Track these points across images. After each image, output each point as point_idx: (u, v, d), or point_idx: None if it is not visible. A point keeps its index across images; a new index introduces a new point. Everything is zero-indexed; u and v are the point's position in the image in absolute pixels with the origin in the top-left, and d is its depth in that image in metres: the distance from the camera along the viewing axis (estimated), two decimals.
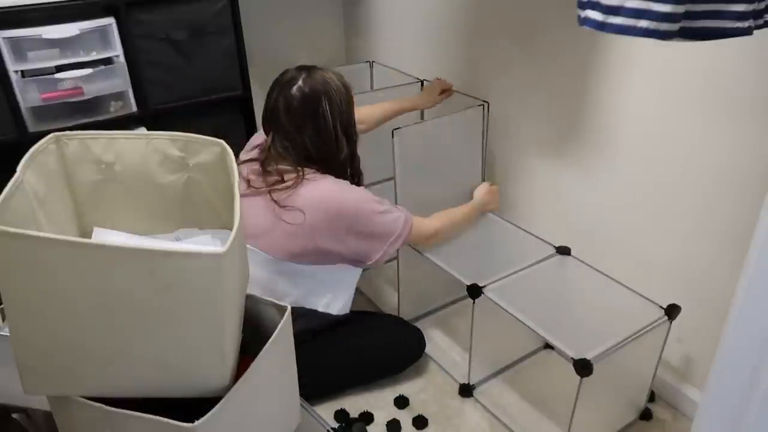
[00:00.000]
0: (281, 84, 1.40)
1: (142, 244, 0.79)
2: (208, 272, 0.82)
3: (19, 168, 0.89)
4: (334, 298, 1.49)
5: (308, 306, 1.45)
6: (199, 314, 0.85)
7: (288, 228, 1.36)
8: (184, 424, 0.85)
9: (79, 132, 1.00)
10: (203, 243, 1.10)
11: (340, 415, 1.53)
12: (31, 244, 0.74)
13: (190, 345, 0.87)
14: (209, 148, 1.06)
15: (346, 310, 1.54)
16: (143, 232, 1.09)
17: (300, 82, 1.38)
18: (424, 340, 1.68)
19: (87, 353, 0.86)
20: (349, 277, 1.52)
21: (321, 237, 1.36)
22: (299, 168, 1.40)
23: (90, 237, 1.05)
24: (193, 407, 0.89)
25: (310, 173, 1.40)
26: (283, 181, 1.38)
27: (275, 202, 1.36)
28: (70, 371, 0.87)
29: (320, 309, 1.47)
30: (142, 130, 1.75)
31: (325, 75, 1.41)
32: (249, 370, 0.93)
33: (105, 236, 1.05)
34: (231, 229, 1.13)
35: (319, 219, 1.35)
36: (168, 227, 1.11)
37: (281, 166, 1.40)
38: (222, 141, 1.05)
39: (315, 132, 1.39)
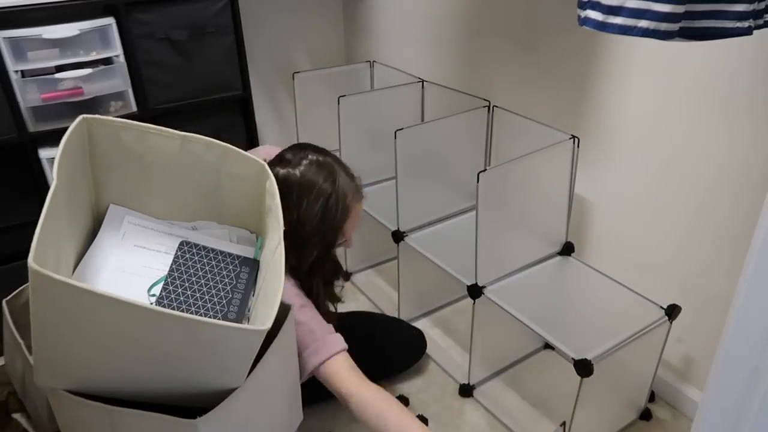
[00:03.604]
0: (291, 156, 1.27)
1: (188, 316, 0.78)
2: (249, 343, 0.85)
3: (54, 172, 0.86)
4: None
5: None
6: (233, 363, 0.87)
7: None
8: (187, 420, 0.85)
9: (110, 118, 0.98)
10: (220, 237, 1.10)
11: None
12: (73, 292, 0.74)
13: (216, 375, 0.88)
14: (248, 164, 1.04)
15: None
16: (160, 215, 1.08)
17: (289, 168, 1.24)
18: (425, 341, 1.68)
19: (111, 375, 0.87)
20: None
21: None
22: None
23: (103, 211, 1.04)
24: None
25: None
26: None
27: None
28: (91, 383, 0.88)
29: None
30: None
31: (318, 172, 1.24)
32: (254, 369, 0.93)
33: (121, 216, 1.04)
34: (251, 230, 1.13)
35: None
36: (187, 215, 1.10)
37: None
38: (264, 163, 1.04)
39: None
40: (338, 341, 1.23)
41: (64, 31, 1.57)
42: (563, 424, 1.26)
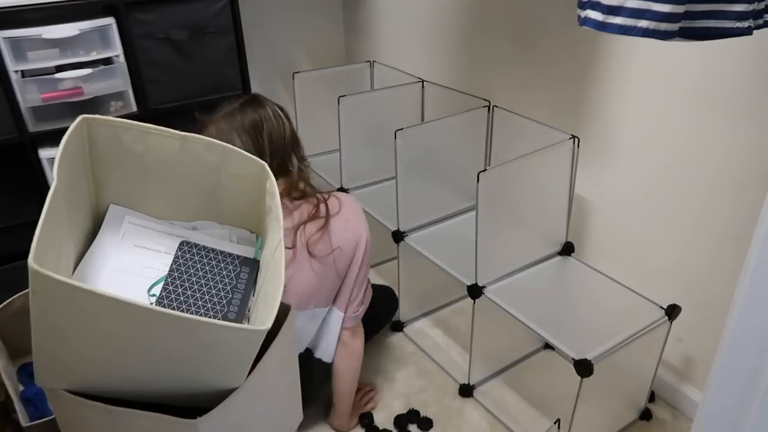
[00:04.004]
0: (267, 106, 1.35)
1: (188, 316, 0.79)
2: (249, 343, 0.85)
3: (54, 172, 0.86)
4: (328, 343, 1.42)
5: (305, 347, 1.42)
6: (233, 363, 0.87)
7: (317, 268, 1.32)
8: (187, 420, 0.85)
9: (110, 118, 0.99)
10: (220, 237, 1.10)
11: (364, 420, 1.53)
12: (73, 292, 0.74)
13: (216, 375, 0.88)
14: (248, 164, 1.05)
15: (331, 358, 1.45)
16: (160, 216, 1.08)
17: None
18: (396, 297, 1.76)
19: (111, 375, 0.87)
20: (336, 319, 1.42)
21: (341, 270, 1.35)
22: (318, 193, 1.34)
23: (103, 211, 1.05)
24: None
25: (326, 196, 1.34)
26: (316, 212, 1.32)
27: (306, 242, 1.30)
28: (91, 383, 0.88)
29: (316, 355, 1.42)
30: None
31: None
32: (254, 369, 0.93)
33: (121, 216, 1.04)
34: (251, 230, 1.13)
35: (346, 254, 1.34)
36: (187, 215, 1.10)
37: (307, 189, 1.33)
38: (264, 163, 1.04)
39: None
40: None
41: (64, 31, 1.57)
42: (557, 421, 1.26)
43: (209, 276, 1.02)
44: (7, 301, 1.44)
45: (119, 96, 1.72)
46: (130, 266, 1.00)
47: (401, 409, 1.55)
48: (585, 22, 0.90)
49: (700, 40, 0.87)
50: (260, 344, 0.87)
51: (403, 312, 1.82)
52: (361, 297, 1.39)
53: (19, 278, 1.01)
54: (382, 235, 1.78)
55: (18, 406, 1.27)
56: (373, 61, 2.22)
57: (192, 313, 0.96)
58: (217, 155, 1.05)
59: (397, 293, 1.80)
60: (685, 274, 1.43)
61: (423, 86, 1.95)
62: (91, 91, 1.65)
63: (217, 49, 1.80)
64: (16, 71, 1.55)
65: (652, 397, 1.54)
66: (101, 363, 0.84)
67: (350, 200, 1.38)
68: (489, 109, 1.73)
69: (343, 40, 2.55)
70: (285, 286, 0.88)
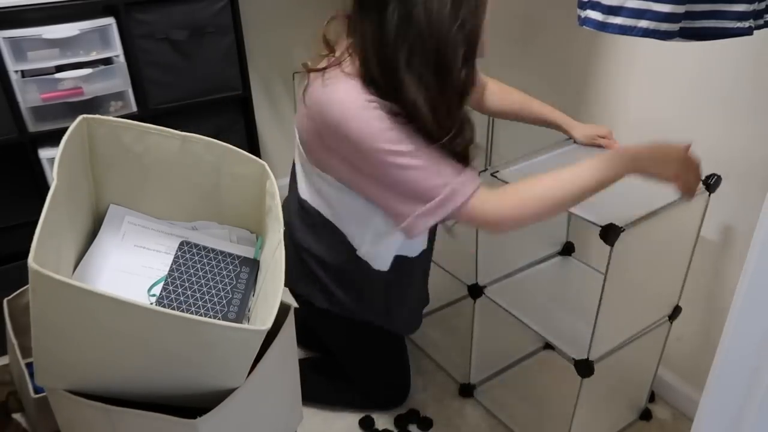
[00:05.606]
0: None
1: (188, 316, 0.79)
2: (249, 343, 0.85)
3: (54, 172, 0.86)
4: (365, 236, 1.21)
5: (340, 227, 1.22)
6: (233, 363, 0.88)
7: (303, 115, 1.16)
8: (187, 420, 0.85)
9: (110, 118, 0.99)
10: (220, 237, 1.10)
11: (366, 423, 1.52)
12: (73, 292, 0.74)
13: (216, 375, 0.88)
14: (248, 164, 1.05)
15: (382, 265, 1.26)
16: (161, 216, 1.08)
17: None
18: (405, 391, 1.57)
19: (111, 375, 0.87)
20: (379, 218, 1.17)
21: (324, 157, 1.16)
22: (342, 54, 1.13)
23: (103, 211, 1.05)
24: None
25: (337, 70, 1.12)
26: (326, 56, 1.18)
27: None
28: (91, 383, 0.88)
29: (353, 244, 1.22)
30: None
31: None
32: (254, 369, 0.93)
33: (121, 216, 1.04)
34: (251, 230, 1.13)
35: (315, 137, 1.14)
36: (187, 215, 1.10)
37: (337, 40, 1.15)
38: (264, 163, 1.04)
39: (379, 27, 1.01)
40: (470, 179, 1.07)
41: (64, 31, 1.57)
42: None
43: (209, 276, 1.02)
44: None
45: (119, 96, 1.72)
46: (130, 266, 1.01)
47: (401, 409, 1.55)
48: (585, 22, 0.90)
49: (701, 41, 0.87)
50: (260, 344, 0.87)
51: None
52: None
53: (19, 278, 1.02)
54: None
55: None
56: None
57: (192, 313, 0.96)
58: (216, 155, 1.05)
59: None
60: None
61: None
62: (91, 91, 1.65)
63: (217, 49, 1.80)
64: (16, 71, 1.55)
65: (652, 397, 1.54)
66: (101, 363, 0.84)
67: None
68: None
69: None
70: None
